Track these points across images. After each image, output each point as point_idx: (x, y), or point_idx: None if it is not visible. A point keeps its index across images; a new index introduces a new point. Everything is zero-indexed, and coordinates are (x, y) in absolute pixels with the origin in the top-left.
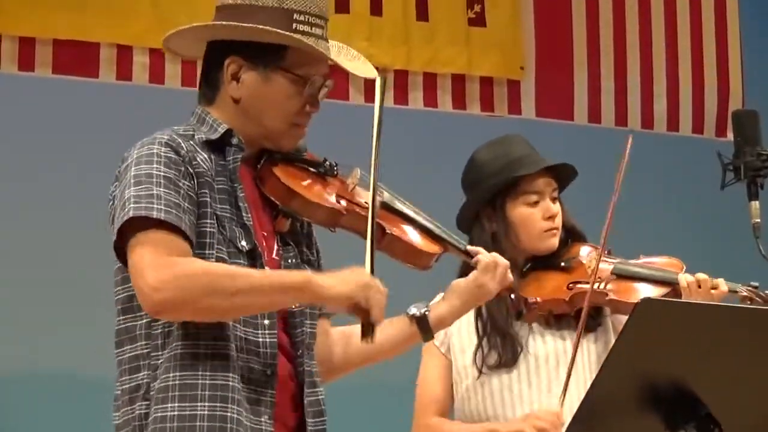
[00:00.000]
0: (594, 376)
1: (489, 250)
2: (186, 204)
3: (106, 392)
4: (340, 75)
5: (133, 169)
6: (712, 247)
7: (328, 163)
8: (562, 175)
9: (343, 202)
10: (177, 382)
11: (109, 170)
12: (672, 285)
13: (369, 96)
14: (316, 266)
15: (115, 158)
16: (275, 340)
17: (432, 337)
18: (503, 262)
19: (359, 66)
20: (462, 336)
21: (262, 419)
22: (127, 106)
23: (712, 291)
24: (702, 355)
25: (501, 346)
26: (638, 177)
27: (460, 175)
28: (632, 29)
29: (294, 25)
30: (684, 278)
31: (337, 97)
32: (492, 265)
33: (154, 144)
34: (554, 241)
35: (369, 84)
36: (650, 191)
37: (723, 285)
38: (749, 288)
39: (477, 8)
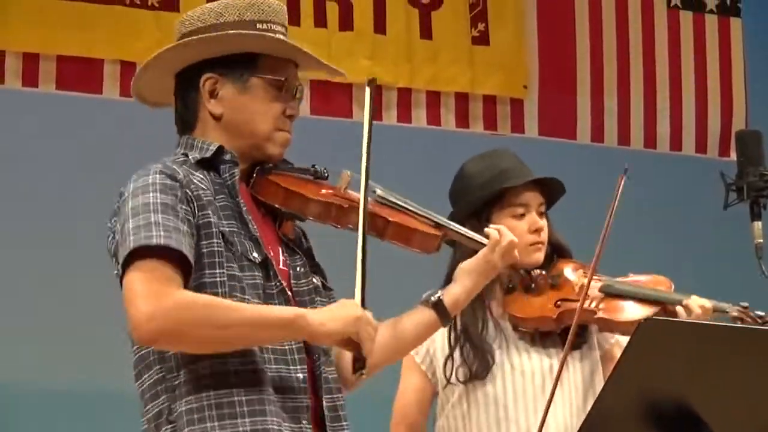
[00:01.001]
0: (580, 393)
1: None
2: (185, 227)
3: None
4: (341, 93)
5: (130, 201)
6: (714, 268)
7: (316, 168)
8: (551, 191)
9: (339, 199)
10: (212, 401)
11: (113, 185)
12: (660, 304)
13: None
14: (321, 275)
15: (119, 173)
16: (302, 344)
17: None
18: (509, 236)
19: (325, 66)
20: (445, 351)
21: (302, 425)
22: (130, 122)
23: (702, 312)
24: (703, 374)
25: (473, 357)
26: (641, 196)
27: None
28: (635, 49)
29: (258, 32)
30: (673, 298)
31: (340, 115)
32: (503, 245)
33: (149, 174)
34: (539, 256)
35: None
36: (653, 211)
37: (706, 303)
38: (740, 309)
39: (481, 27)
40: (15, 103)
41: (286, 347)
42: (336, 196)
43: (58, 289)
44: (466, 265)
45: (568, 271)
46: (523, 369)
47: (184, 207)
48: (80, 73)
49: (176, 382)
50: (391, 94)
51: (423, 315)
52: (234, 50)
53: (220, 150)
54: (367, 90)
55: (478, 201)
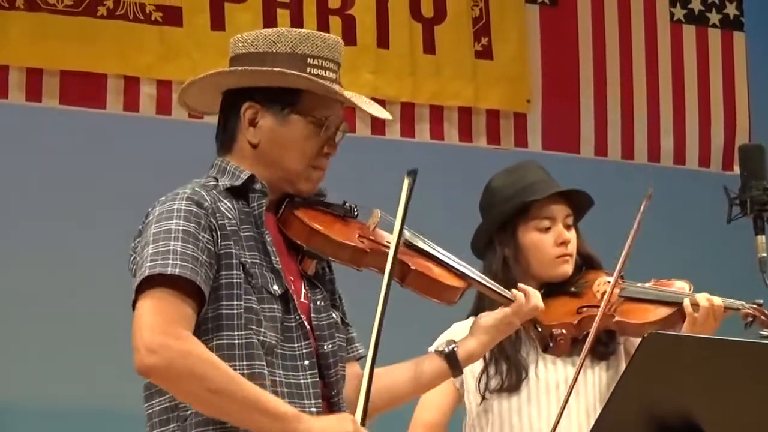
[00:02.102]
0: (603, 403)
1: (501, 275)
2: (204, 257)
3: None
4: (347, 108)
5: (153, 226)
6: (717, 282)
7: (348, 205)
8: (578, 203)
9: (366, 242)
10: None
11: (117, 200)
12: (677, 305)
13: (375, 128)
14: (341, 310)
15: (122, 188)
16: (317, 380)
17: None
18: (540, 305)
19: (373, 107)
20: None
21: None
22: (134, 137)
23: (714, 310)
24: (708, 389)
25: (506, 371)
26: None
27: (466, 207)
28: (638, 63)
29: (308, 69)
30: (688, 300)
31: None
32: (526, 308)
33: (176, 200)
34: (566, 268)
35: (376, 117)
36: (656, 225)
37: (718, 302)
38: (754, 306)
39: (484, 41)
40: (18, 117)
41: (301, 381)
42: (362, 237)
43: (58, 307)
44: (484, 321)
45: (595, 281)
46: (548, 380)
47: (206, 236)
48: (83, 88)
49: (188, 413)
50: (394, 108)
51: (434, 364)
52: (278, 84)
53: (251, 179)
54: (406, 180)
55: (503, 215)
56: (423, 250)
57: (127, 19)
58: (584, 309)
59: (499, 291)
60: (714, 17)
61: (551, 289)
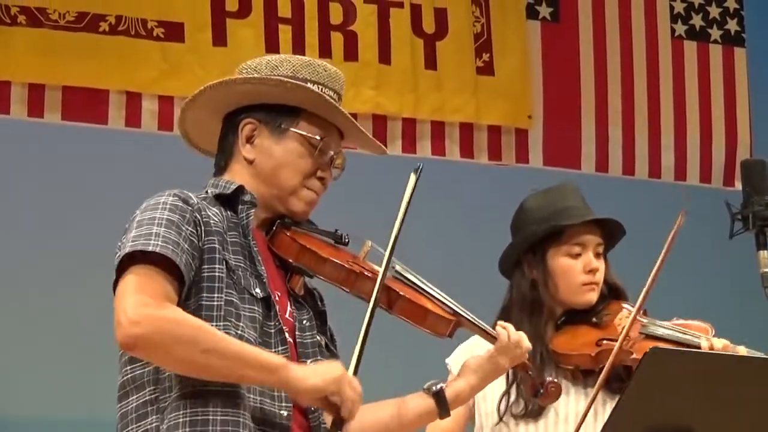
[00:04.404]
0: None
1: (528, 297)
2: (186, 245)
3: None
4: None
5: (138, 217)
6: (720, 297)
7: (339, 233)
8: (610, 232)
9: (356, 266)
10: (188, 418)
11: (118, 214)
12: (696, 348)
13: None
14: (328, 337)
15: (123, 202)
16: None
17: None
18: (525, 345)
19: (369, 139)
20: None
21: None
22: (135, 153)
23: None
24: (709, 405)
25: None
26: (644, 226)
27: (467, 224)
28: (640, 79)
29: (298, 83)
30: (706, 343)
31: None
32: (511, 347)
33: (162, 195)
34: (592, 296)
35: (378, 132)
36: (657, 241)
37: (743, 352)
38: None
39: (485, 57)
40: (20, 132)
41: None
42: (352, 262)
43: (57, 318)
44: (472, 363)
45: (617, 312)
46: (567, 413)
47: (189, 228)
48: (85, 104)
49: (166, 404)
50: (395, 124)
51: (422, 402)
52: (277, 100)
53: (240, 189)
54: (413, 177)
55: (534, 237)
56: (414, 284)
57: (129, 34)
58: (604, 342)
59: (484, 328)
60: (715, 33)
61: (574, 317)
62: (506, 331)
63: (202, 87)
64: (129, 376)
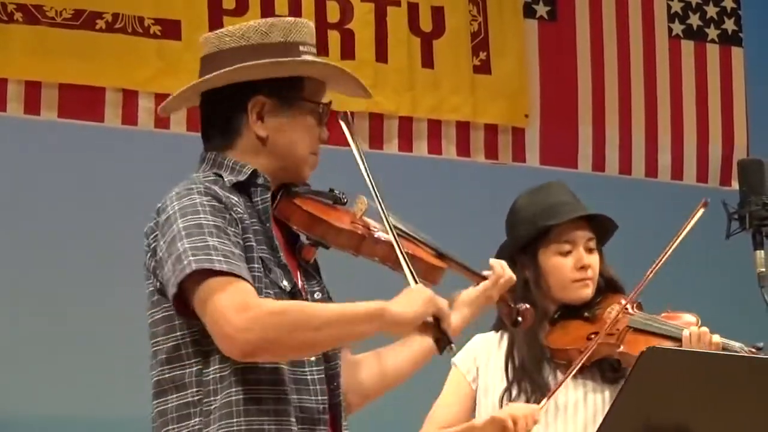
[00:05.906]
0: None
1: (521, 296)
2: (238, 251)
3: None
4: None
5: (180, 221)
6: (716, 297)
7: (335, 193)
8: (600, 226)
9: (361, 228)
10: (243, 427)
11: (115, 213)
12: (677, 340)
13: (373, 143)
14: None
15: (120, 201)
16: (323, 375)
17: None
18: (509, 274)
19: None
20: (488, 377)
21: None
22: (132, 150)
23: (712, 346)
24: (705, 403)
25: (530, 392)
26: (641, 226)
27: (463, 222)
28: (636, 78)
29: (302, 56)
30: (687, 332)
31: (341, 144)
32: (500, 277)
33: (193, 193)
34: (585, 292)
35: (375, 131)
36: (653, 240)
37: (717, 340)
38: (752, 350)
39: (482, 56)
40: (17, 130)
41: (308, 377)
42: (356, 224)
43: (58, 319)
44: (466, 297)
45: (607, 306)
46: (566, 402)
47: (232, 229)
48: (82, 101)
49: (213, 407)
50: (392, 122)
51: (418, 341)
52: (284, 74)
53: (254, 173)
54: (342, 125)
55: (523, 238)
56: (407, 233)
57: (126, 32)
58: (593, 335)
59: (474, 271)
60: (712, 33)
61: (567, 312)
62: (494, 267)
63: (211, 75)
64: (168, 375)
